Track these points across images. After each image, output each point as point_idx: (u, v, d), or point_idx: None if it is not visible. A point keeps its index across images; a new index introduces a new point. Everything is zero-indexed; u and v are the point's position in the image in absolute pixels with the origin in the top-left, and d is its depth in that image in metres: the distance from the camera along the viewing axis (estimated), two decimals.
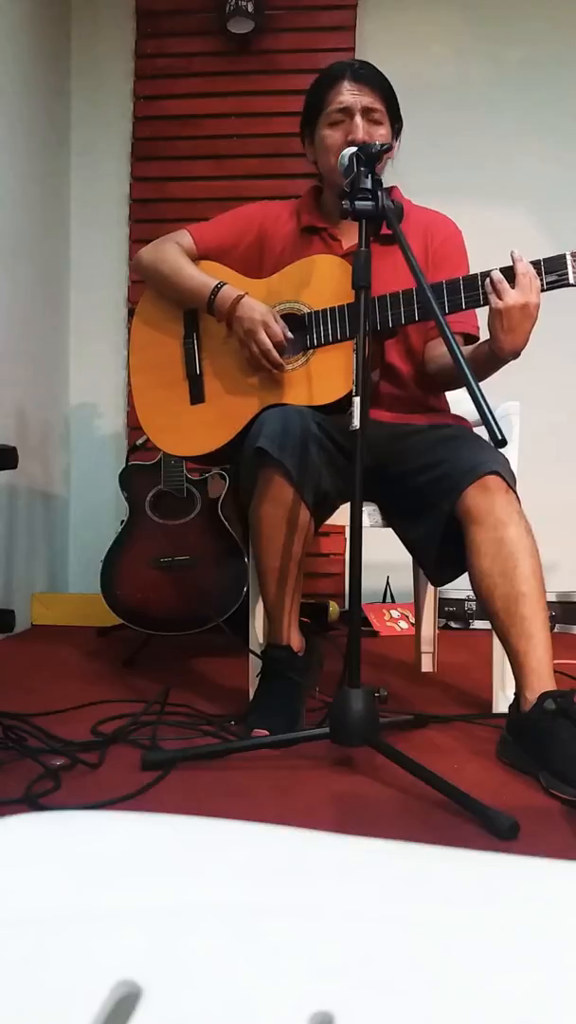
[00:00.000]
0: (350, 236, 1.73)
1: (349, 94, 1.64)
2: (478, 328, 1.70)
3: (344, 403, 1.48)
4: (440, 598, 2.60)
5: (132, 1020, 0.27)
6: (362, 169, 1.40)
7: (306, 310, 1.64)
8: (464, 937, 0.32)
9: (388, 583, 2.96)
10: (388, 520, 1.70)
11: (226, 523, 2.26)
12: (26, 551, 2.80)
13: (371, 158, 1.42)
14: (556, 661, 1.42)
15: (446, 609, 2.82)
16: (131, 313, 2.26)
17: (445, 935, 0.32)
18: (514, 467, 1.56)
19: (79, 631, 2.64)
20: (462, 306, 1.52)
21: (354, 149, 1.45)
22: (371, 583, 2.77)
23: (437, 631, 2.17)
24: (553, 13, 3.07)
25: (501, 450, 1.44)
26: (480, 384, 1.20)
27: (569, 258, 1.45)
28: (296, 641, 1.61)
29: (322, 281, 1.65)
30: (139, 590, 2.23)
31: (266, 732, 1.44)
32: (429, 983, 0.29)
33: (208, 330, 1.74)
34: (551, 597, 2.52)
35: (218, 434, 1.70)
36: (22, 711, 1.51)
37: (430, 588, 2.11)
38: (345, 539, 2.78)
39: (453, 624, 2.84)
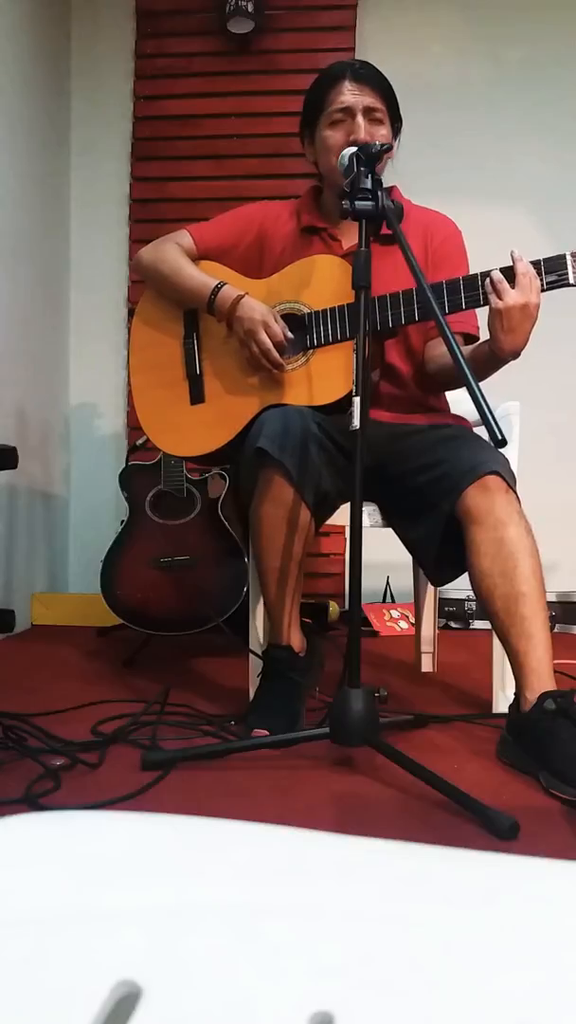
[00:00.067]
0: (350, 236, 1.73)
1: (350, 94, 1.64)
2: (478, 328, 1.70)
3: (344, 403, 1.48)
4: (440, 598, 2.60)
5: (132, 1020, 0.27)
6: (362, 169, 1.40)
7: (306, 310, 1.64)
8: (464, 937, 0.32)
9: (388, 583, 2.96)
10: (388, 520, 1.70)
11: (226, 523, 2.26)
12: (26, 551, 2.80)
13: (371, 158, 1.42)
14: (556, 661, 1.42)
15: (446, 609, 2.82)
16: (131, 313, 2.26)
17: (445, 935, 0.32)
18: (514, 467, 1.56)
19: (79, 631, 2.64)
20: (462, 306, 1.52)
21: (354, 149, 1.45)
22: (371, 583, 2.77)
23: (437, 631, 2.17)
24: (553, 13, 3.08)
25: (501, 450, 1.44)
26: (480, 384, 1.20)
27: (569, 258, 1.45)
28: (297, 641, 1.61)
29: (322, 281, 1.65)
30: (139, 590, 2.23)
31: (266, 732, 1.44)
32: (429, 983, 0.29)
33: (208, 330, 1.74)
34: (551, 597, 2.52)
35: (218, 434, 1.70)
36: (22, 711, 1.51)
37: (430, 588, 2.11)
38: (345, 539, 2.78)
39: (453, 624, 2.84)
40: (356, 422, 1.31)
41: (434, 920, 0.33)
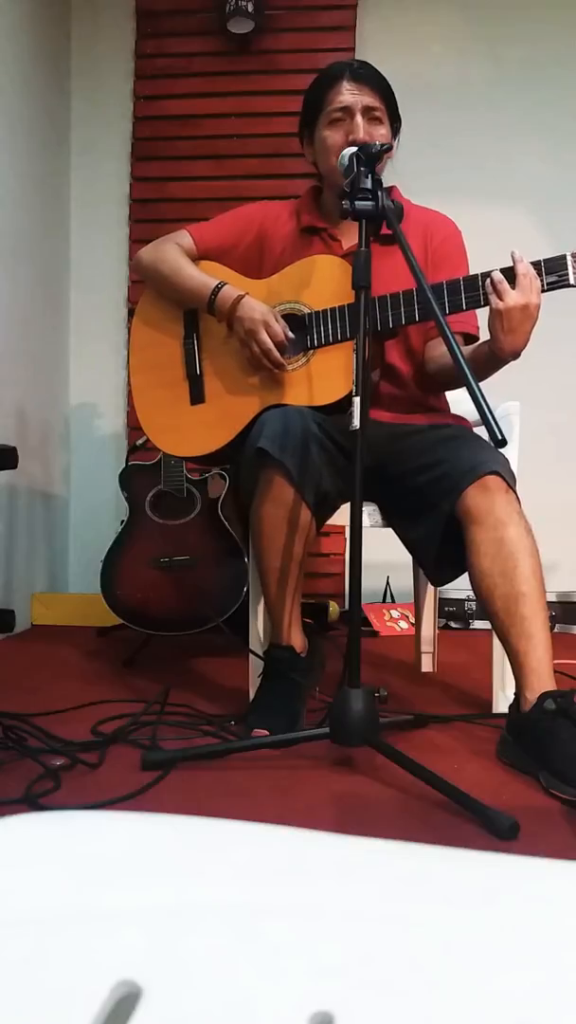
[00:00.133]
0: (350, 236, 1.73)
1: (349, 94, 1.64)
2: (478, 328, 1.70)
3: (344, 403, 1.48)
4: (440, 598, 2.60)
5: (132, 1020, 0.27)
6: (362, 169, 1.40)
7: (306, 310, 1.64)
8: (464, 937, 0.32)
9: (388, 583, 2.96)
10: (388, 520, 1.70)
11: (226, 523, 2.26)
12: (26, 551, 2.80)
13: (371, 158, 1.42)
14: (556, 661, 1.42)
15: (446, 609, 2.82)
16: (131, 313, 2.26)
17: (445, 935, 0.32)
18: (514, 467, 1.56)
19: (79, 631, 2.64)
20: (462, 306, 1.52)
21: (354, 149, 1.45)
22: (371, 583, 2.77)
23: (437, 631, 2.17)
24: (553, 13, 3.08)
25: (501, 450, 1.44)
26: (480, 384, 1.20)
27: (569, 259, 1.45)
28: (299, 641, 1.61)
29: (322, 281, 1.65)
30: (139, 590, 2.23)
31: (266, 732, 1.44)
32: (429, 983, 0.29)
33: (208, 330, 1.74)
34: (551, 597, 2.52)
35: (218, 434, 1.70)
36: (22, 711, 1.51)
37: (430, 588, 2.11)
38: (345, 539, 2.78)
39: (453, 624, 2.84)
40: (356, 422, 1.31)
41: (434, 920, 0.33)
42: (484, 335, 1.57)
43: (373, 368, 1.62)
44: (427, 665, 2.14)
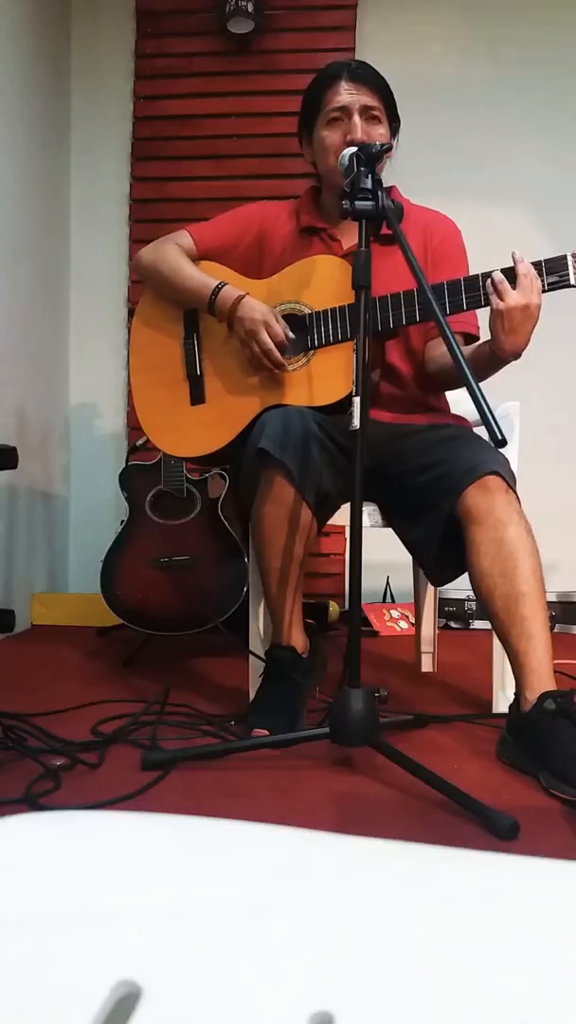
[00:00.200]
0: (349, 236, 1.73)
1: (347, 94, 1.64)
2: (478, 328, 1.70)
3: (345, 403, 1.48)
4: (440, 598, 2.60)
5: (132, 1020, 0.27)
6: (362, 169, 1.40)
7: (307, 311, 1.64)
8: (464, 937, 0.32)
9: (388, 583, 2.96)
10: (388, 520, 1.70)
11: (226, 523, 2.26)
12: (26, 551, 2.80)
13: (371, 158, 1.42)
14: (556, 661, 1.42)
15: (446, 609, 2.82)
16: (131, 313, 2.26)
17: (445, 935, 0.32)
18: (514, 467, 1.56)
19: (79, 631, 2.64)
20: (463, 307, 1.52)
21: (354, 149, 1.45)
22: (371, 583, 2.77)
23: (437, 631, 2.17)
24: (553, 13, 3.08)
25: (501, 450, 1.44)
26: (480, 384, 1.20)
27: (570, 259, 1.45)
28: (300, 642, 1.61)
29: (322, 282, 1.65)
30: (139, 590, 2.23)
31: (266, 732, 1.44)
32: (429, 983, 0.29)
33: (208, 330, 1.74)
34: (551, 597, 2.52)
35: (219, 435, 1.70)
36: (22, 711, 1.51)
37: (430, 588, 2.11)
38: (345, 539, 2.78)
39: (453, 624, 2.84)
40: (356, 422, 1.31)
41: (434, 920, 0.33)
42: (484, 335, 1.57)
43: (373, 368, 1.62)
44: (427, 665, 2.14)
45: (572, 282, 1.45)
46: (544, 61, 3.08)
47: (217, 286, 1.67)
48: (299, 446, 1.49)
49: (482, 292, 1.48)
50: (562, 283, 1.45)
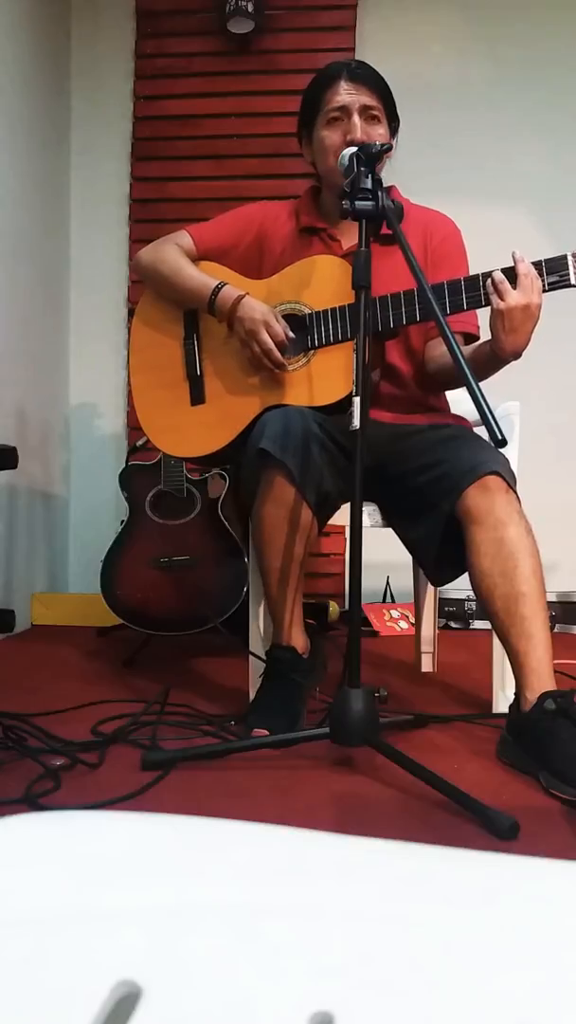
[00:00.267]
0: (349, 236, 1.73)
1: (346, 94, 1.64)
2: (478, 327, 1.70)
3: (345, 403, 1.48)
4: (440, 598, 2.60)
5: (132, 1020, 0.27)
6: (362, 169, 1.40)
7: (307, 311, 1.64)
8: (464, 937, 0.32)
9: (388, 583, 2.96)
10: (388, 520, 1.70)
11: (226, 523, 2.26)
12: (26, 551, 2.80)
13: (371, 158, 1.42)
14: (556, 661, 1.42)
15: (446, 609, 2.82)
16: (131, 313, 2.26)
17: (445, 935, 0.32)
18: (514, 467, 1.56)
19: (79, 631, 2.64)
20: (463, 307, 1.52)
21: (354, 149, 1.45)
22: (371, 583, 2.77)
23: (437, 631, 2.17)
24: (553, 13, 3.08)
25: (501, 450, 1.44)
26: (480, 384, 1.20)
27: (570, 259, 1.45)
28: (300, 642, 1.61)
29: (322, 282, 1.65)
30: (139, 590, 2.23)
31: (266, 732, 1.44)
32: (429, 983, 0.29)
33: (208, 331, 1.74)
34: (551, 597, 2.51)
35: (219, 435, 1.70)
36: (22, 711, 1.51)
37: (430, 588, 2.11)
38: (345, 539, 2.78)
39: (453, 624, 2.84)
40: (356, 422, 1.31)
41: (434, 920, 0.33)
42: (485, 334, 1.57)
43: (373, 368, 1.62)
44: (427, 665, 2.14)
45: (572, 282, 1.45)
46: (544, 61, 3.08)
47: (217, 286, 1.67)
48: (299, 446, 1.49)
49: (482, 292, 1.48)
50: (562, 283, 1.45)
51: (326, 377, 1.61)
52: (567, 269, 1.45)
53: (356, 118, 1.63)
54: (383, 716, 1.42)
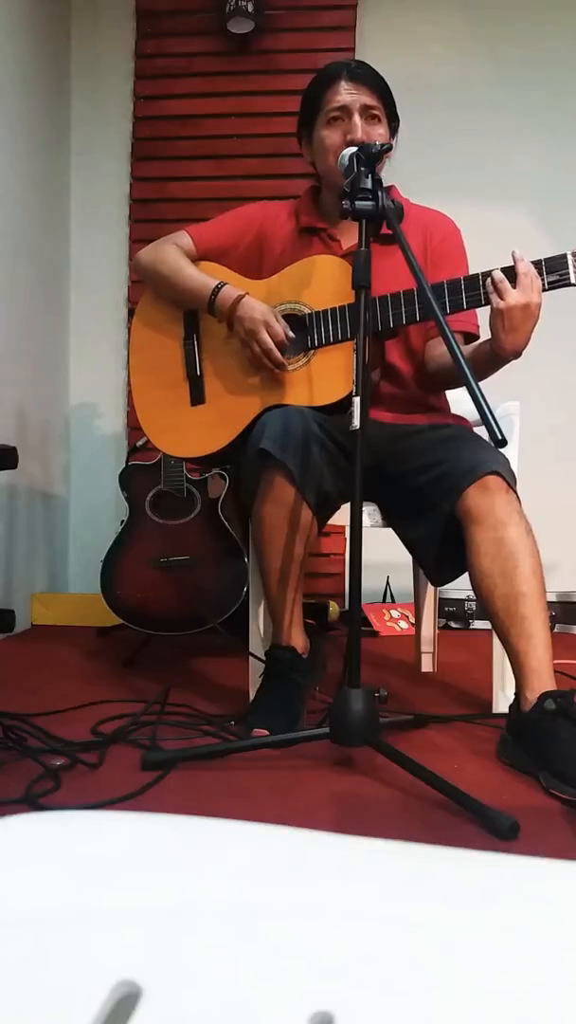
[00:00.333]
0: (349, 236, 1.73)
1: (346, 93, 1.64)
2: (478, 327, 1.70)
3: (345, 403, 1.48)
4: (440, 598, 2.59)
5: (132, 1020, 0.27)
6: (362, 169, 1.40)
7: (307, 311, 1.64)
8: (464, 937, 0.32)
9: (388, 583, 2.96)
10: (388, 520, 1.70)
11: (226, 523, 2.26)
12: (26, 551, 2.80)
13: (371, 158, 1.42)
14: (556, 661, 1.42)
15: (446, 609, 2.82)
16: (131, 313, 2.26)
17: (445, 935, 0.32)
18: (514, 467, 1.56)
19: (79, 631, 2.64)
20: (463, 306, 1.52)
21: (354, 149, 1.45)
22: (371, 583, 2.77)
23: (437, 631, 2.17)
24: (553, 13, 3.08)
25: (501, 450, 1.44)
26: (480, 384, 1.20)
27: (570, 258, 1.45)
28: (300, 642, 1.61)
29: (322, 281, 1.65)
30: (139, 590, 2.23)
31: (266, 732, 1.44)
32: (429, 983, 0.29)
33: (208, 331, 1.74)
34: (551, 597, 2.51)
35: (219, 435, 1.70)
36: (22, 711, 1.51)
37: (430, 588, 2.11)
38: (345, 539, 2.78)
39: (453, 624, 2.84)
40: (356, 422, 1.31)
41: (434, 920, 0.33)
42: (484, 334, 1.56)
43: (373, 368, 1.62)
44: (427, 665, 2.14)
45: (572, 281, 1.45)
46: (544, 61, 3.08)
47: (217, 286, 1.67)
48: (299, 446, 1.49)
49: (482, 291, 1.48)
50: (562, 282, 1.45)
51: (326, 377, 1.61)
52: (567, 268, 1.45)
53: (356, 118, 1.63)
54: (383, 716, 1.42)
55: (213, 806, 1.21)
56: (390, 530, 1.70)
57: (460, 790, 1.17)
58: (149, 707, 1.58)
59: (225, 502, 2.29)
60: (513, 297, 1.43)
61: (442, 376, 1.70)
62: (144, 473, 2.34)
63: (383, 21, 3.11)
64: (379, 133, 1.64)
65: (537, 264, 1.46)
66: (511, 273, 1.44)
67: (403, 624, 2.79)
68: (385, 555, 1.94)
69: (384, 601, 2.97)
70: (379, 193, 1.38)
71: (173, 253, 1.75)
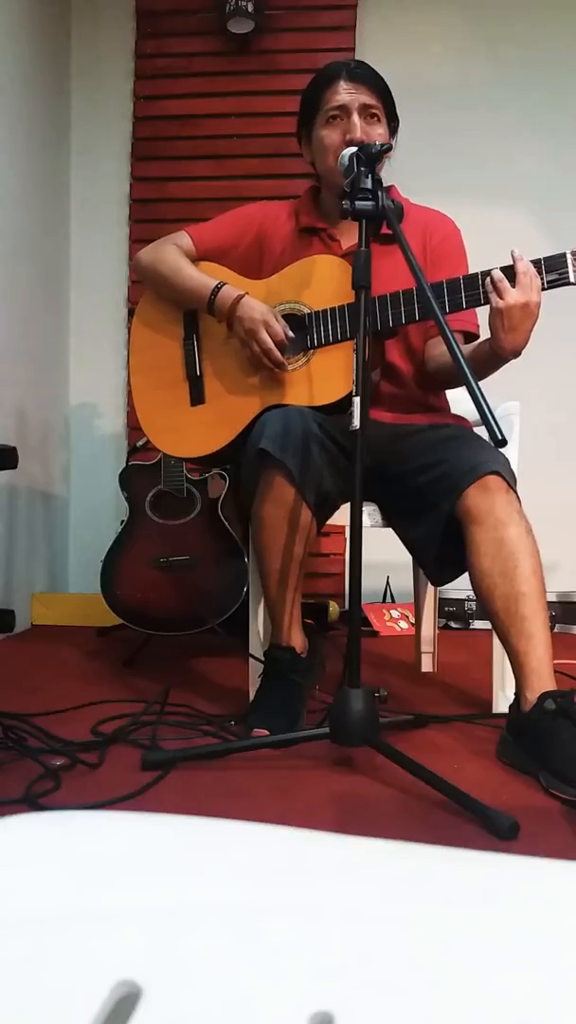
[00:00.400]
0: (349, 236, 1.73)
1: (346, 93, 1.64)
2: (478, 326, 1.70)
3: (345, 403, 1.48)
4: (440, 598, 2.60)
5: (132, 1020, 0.27)
6: (362, 169, 1.40)
7: (306, 310, 1.64)
8: (464, 937, 0.32)
9: (388, 583, 2.96)
10: (388, 520, 1.70)
11: (226, 523, 2.26)
12: (26, 551, 2.80)
13: (371, 158, 1.42)
14: (556, 661, 1.42)
15: (446, 609, 2.82)
16: (131, 313, 2.26)
17: (445, 935, 0.32)
18: (514, 467, 1.56)
19: (79, 631, 2.64)
20: (463, 305, 1.52)
21: (354, 149, 1.45)
22: (371, 583, 2.77)
23: (437, 631, 2.17)
24: (553, 13, 3.08)
25: (501, 450, 1.44)
26: (480, 384, 1.20)
27: (569, 257, 1.45)
28: (299, 642, 1.61)
29: (322, 281, 1.65)
30: (139, 590, 2.23)
31: (266, 732, 1.44)
32: (429, 983, 0.29)
33: (208, 331, 1.74)
34: (551, 597, 2.51)
35: (219, 435, 1.70)
36: (22, 711, 1.51)
37: (430, 588, 2.11)
38: (345, 539, 2.78)
39: (453, 624, 2.84)
40: (356, 422, 1.31)
41: (434, 920, 0.33)
42: (484, 333, 1.56)
43: (373, 368, 1.62)
44: (427, 665, 2.14)
45: (572, 280, 1.44)
46: (544, 61, 3.08)
47: (216, 286, 1.67)
48: (299, 446, 1.49)
49: (481, 290, 1.48)
50: (562, 281, 1.45)
51: (326, 377, 1.61)
52: (566, 267, 1.45)
53: (356, 117, 1.63)
54: (383, 716, 1.42)
55: (213, 806, 1.21)
56: (390, 530, 1.70)
57: (460, 790, 1.17)
58: (149, 707, 1.58)
59: (225, 502, 2.29)
60: (512, 296, 1.43)
61: (442, 376, 1.70)
62: (144, 473, 2.34)
63: (383, 21, 3.11)
64: (378, 133, 1.64)
65: (536, 263, 1.46)
66: (510, 272, 1.44)
67: (403, 624, 2.79)
68: (385, 555, 1.94)
69: (384, 601, 2.97)
70: (379, 193, 1.38)
71: (173, 253, 1.75)
